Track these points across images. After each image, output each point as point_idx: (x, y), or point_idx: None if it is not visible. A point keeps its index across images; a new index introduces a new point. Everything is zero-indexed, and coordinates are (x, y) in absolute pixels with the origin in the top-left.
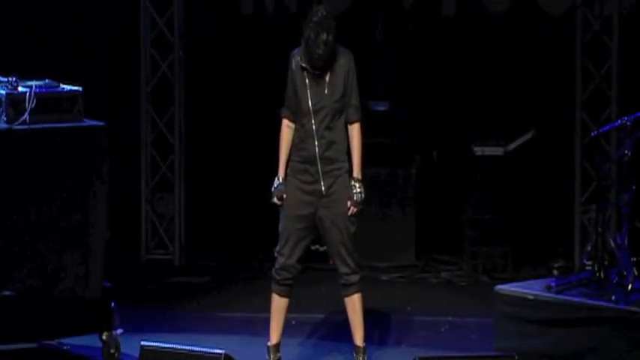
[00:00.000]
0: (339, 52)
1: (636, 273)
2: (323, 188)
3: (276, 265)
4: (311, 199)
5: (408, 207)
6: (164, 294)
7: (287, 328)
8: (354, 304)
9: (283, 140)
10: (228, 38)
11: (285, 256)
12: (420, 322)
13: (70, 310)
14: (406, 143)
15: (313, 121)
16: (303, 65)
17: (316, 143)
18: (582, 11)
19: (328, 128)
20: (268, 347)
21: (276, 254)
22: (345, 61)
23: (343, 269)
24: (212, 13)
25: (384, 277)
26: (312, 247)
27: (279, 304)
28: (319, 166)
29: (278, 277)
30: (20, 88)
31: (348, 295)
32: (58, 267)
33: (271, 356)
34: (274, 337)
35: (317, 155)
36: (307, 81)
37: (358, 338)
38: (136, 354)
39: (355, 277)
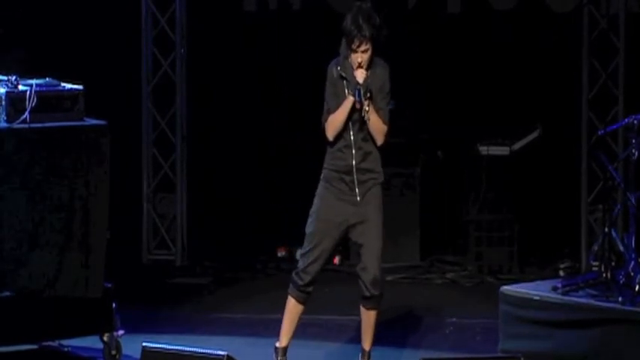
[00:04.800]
0: (376, 63)
1: None
2: (358, 198)
3: (299, 267)
4: (345, 207)
5: (412, 207)
6: (166, 295)
7: None
8: (369, 319)
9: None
10: (231, 36)
11: (311, 259)
12: (425, 323)
13: (70, 311)
14: (411, 143)
15: (351, 132)
16: (343, 75)
17: (353, 153)
18: (589, 9)
19: (365, 139)
20: (277, 348)
21: (299, 257)
22: (380, 72)
23: (368, 278)
24: (214, 11)
25: (389, 278)
26: None
27: (295, 310)
28: (355, 175)
29: (300, 283)
30: (21, 87)
31: (366, 308)
32: (58, 267)
33: (279, 358)
34: (284, 340)
35: (354, 166)
36: (347, 91)
37: (367, 344)
38: (138, 355)
39: (377, 290)
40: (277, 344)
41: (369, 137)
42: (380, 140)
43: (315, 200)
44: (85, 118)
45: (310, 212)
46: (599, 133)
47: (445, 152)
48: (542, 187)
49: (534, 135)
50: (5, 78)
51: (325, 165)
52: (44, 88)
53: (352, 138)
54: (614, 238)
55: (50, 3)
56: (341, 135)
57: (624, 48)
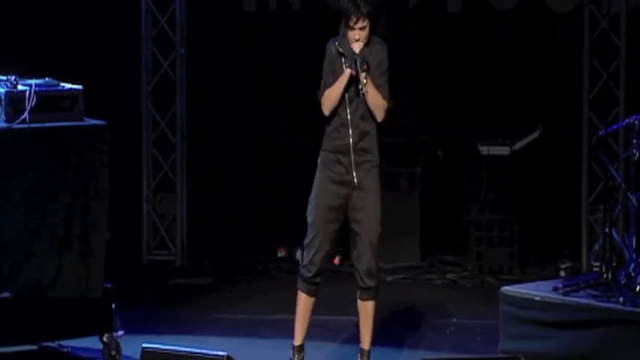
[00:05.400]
0: (374, 41)
1: None
2: (355, 180)
3: (304, 260)
4: (343, 191)
5: (412, 207)
6: (166, 295)
7: (290, 330)
8: (366, 311)
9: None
10: (231, 36)
11: (315, 248)
12: (425, 323)
13: (70, 312)
14: (411, 142)
15: (348, 110)
16: (341, 51)
17: (350, 132)
18: (589, 9)
19: (362, 118)
20: (293, 347)
21: (299, 256)
22: (378, 49)
23: (362, 267)
24: (214, 11)
25: (389, 278)
26: None
27: (306, 304)
28: (352, 156)
29: (307, 275)
30: (20, 87)
31: (362, 300)
32: (58, 268)
33: (295, 356)
34: (299, 337)
35: (351, 145)
36: (344, 67)
37: (365, 342)
38: (137, 356)
39: (372, 282)
40: (293, 342)
41: (367, 116)
42: (380, 116)
43: (314, 187)
44: (84, 118)
45: (309, 200)
46: (600, 133)
47: (445, 152)
48: (542, 187)
49: (535, 135)
50: (5, 78)
51: (322, 147)
52: (44, 88)
53: (349, 117)
54: (614, 239)
55: (50, 3)
56: (337, 113)
57: (625, 48)
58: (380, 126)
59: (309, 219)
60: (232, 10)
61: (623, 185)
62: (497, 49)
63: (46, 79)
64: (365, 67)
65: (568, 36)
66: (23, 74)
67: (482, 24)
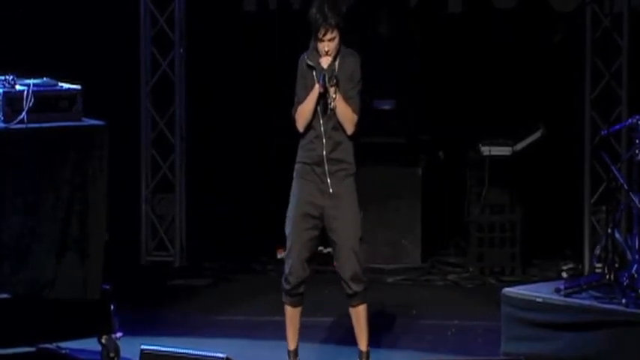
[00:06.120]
0: (346, 53)
1: None
2: (330, 190)
3: (285, 271)
4: (318, 200)
5: (413, 208)
6: (164, 296)
7: None
8: (358, 315)
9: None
10: (230, 36)
11: (292, 259)
12: (427, 325)
13: (68, 313)
14: (412, 143)
15: (321, 122)
16: (311, 64)
17: (324, 143)
18: (592, 8)
19: (335, 128)
20: (288, 351)
21: (284, 259)
22: (350, 60)
23: (347, 274)
24: (214, 11)
25: (390, 280)
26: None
27: (292, 314)
28: (326, 166)
29: (287, 287)
30: (18, 87)
31: (352, 306)
32: (56, 269)
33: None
34: (292, 343)
35: (324, 156)
36: (315, 80)
37: (362, 344)
38: (136, 358)
39: (359, 287)
40: (288, 347)
41: (340, 126)
42: (349, 129)
43: (290, 199)
44: (83, 119)
45: (287, 213)
46: (603, 133)
47: (446, 153)
48: (544, 188)
49: (537, 135)
50: (2, 78)
51: (297, 159)
52: (42, 88)
53: (322, 128)
54: (617, 240)
55: (49, 3)
56: (311, 126)
57: (627, 47)
58: (352, 137)
59: (287, 230)
60: (232, 10)
61: (625, 186)
62: (498, 49)
63: (44, 78)
64: (334, 81)
65: (570, 35)
66: (22, 74)
67: (483, 23)
